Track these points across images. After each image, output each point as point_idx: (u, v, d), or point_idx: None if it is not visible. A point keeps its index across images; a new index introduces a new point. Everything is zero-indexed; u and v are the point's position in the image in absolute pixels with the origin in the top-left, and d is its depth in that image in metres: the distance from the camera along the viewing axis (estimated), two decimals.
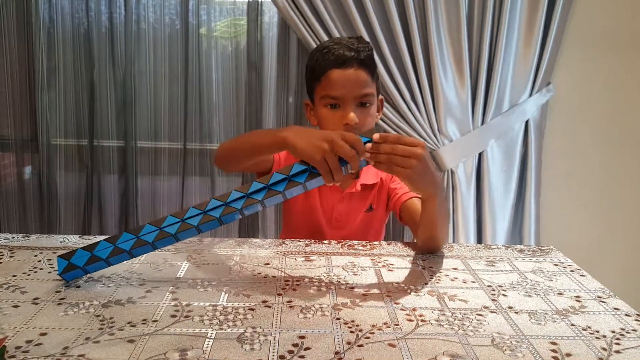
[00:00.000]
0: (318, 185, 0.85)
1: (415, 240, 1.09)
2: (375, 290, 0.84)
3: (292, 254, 0.99)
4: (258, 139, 1.01)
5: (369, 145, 0.83)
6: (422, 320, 0.74)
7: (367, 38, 1.68)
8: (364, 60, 1.09)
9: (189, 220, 0.83)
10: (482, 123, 1.82)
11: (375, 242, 1.07)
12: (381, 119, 1.76)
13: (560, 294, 0.85)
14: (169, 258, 0.94)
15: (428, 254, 1.01)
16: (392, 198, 1.20)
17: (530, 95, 1.83)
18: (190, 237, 0.85)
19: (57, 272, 0.84)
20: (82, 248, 0.84)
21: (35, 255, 0.94)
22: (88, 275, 0.85)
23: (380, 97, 1.17)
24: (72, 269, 0.83)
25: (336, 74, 1.08)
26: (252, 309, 0.76)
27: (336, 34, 1.71)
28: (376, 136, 0.83)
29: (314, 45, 1.56)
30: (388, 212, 1.24)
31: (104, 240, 0.84)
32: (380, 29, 1.71)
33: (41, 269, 0.88)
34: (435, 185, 0.90)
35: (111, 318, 0.72)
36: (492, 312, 0.77)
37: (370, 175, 1.19)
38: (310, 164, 0.84)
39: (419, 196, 1.00)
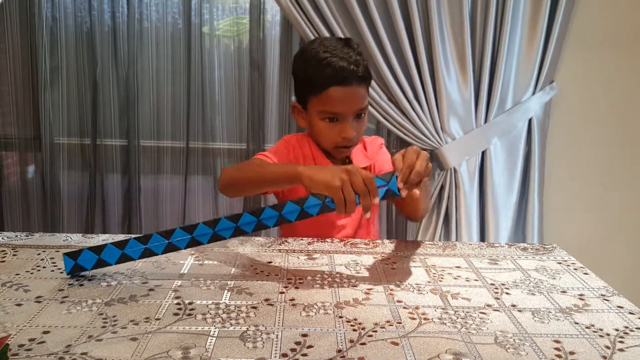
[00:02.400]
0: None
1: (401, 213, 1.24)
2: (378, 289, 0.84)
3: (294, 252, 0.99)
4: (268, 172, 1.02)
5: (401, 185, 0.84)
6: (425, 319, 0.74)
7: (370, 36, 1.68)
8: (362, 76, 1.10)
9: (198, 238, 0.84)
10: (485, 121, 1.82)
11: (378, 241, 1.07)
12: (384, 118, 1.76)
13: (564, 292, 0.85)
14: (172, 257, 0.94)
15: (429, 253, 1.01)
16: None
17: (534, 93, 1.82)
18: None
19: (63, 271, 0.84)
20: (88, 249, 0.84)
21: (39, 254, 0.94)
22: (91, 273, 0.85)
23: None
24: (79, 270, 0.84)
25: (337, 91, 1.09)
26: (254, 307, 0.76)
27: (339, 33, 1.70)
28: (400, 185, 0.84)
29: None
30: None
31: (111, 244, 0.84)
32: (383, 26, 1.70)
33: (44, 267, 0.88)
34: None
35: (114, 316, 0.72)
36: (495, 310, 0.77)
37: (360, 160, 1.20)
38: (323, 199, 0.84)
39: None
